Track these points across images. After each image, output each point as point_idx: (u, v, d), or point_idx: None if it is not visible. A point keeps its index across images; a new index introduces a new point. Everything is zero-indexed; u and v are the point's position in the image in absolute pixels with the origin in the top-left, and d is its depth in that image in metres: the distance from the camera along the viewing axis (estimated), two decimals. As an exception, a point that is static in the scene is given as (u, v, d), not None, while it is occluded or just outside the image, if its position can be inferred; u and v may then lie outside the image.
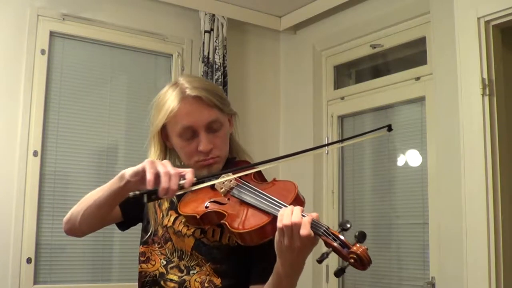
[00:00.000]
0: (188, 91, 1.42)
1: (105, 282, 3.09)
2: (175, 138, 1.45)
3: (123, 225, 1.57)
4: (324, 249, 1.14)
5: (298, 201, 1.26)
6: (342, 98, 3.52)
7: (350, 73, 3.68)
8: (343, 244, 1.11)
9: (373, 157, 3.35)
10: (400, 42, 3.18)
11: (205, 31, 3.37)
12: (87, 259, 3.06)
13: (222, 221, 1.29)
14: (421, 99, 3.00)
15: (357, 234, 1.12)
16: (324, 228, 1.14)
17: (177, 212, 1.44)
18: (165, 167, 1.24)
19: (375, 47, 3.29)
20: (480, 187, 2.36)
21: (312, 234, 1.14)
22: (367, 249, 1.10)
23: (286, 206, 1.20)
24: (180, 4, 3.38)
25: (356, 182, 3.41)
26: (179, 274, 1.40)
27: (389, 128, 1.38)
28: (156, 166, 1.24)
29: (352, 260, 1.09)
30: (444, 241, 2.62)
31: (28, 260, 2.83)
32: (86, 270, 3.05)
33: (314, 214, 1.17)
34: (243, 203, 1.31)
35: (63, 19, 3.07)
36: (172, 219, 1.46)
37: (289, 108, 3.79)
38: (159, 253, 1.45)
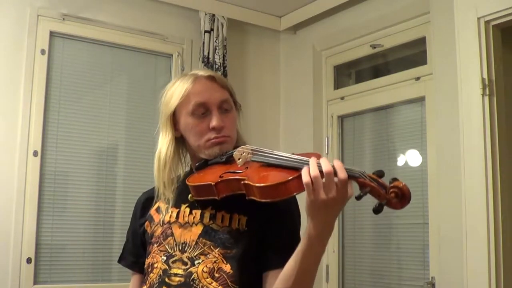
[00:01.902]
0: (200, 73, 1.48)
1: (105, 282, 3.08)
2: (187, 118, 1.45)
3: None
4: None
5: None
6: (342, 98, 3.52)
7: (350, 73, 3.68)
8: (381, 184, 1.10)
9: (373, 157, 3.35)
10: (400, 42, 3.18)
11: (205, 31, 3.37)
12: (87, 259, 3.06)
13: (243, 182, 1.26)
14: (421, 99, 3.00)
15: (391, 180, 1.11)
16: (360, 171, 1.13)
17: (177, 206, 1.45)
18: None
19: (375, 47, 3.29)
20: (480, 187, 2.36)
21: (347, 176, 1.12)
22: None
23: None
24: (180, 4, 3.38)
25: (356, 182, 3.40)
26: (184, 267, 1.37)
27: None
28: None
29: (393, 194, 1.07)
30: (444, 241, 2.62)
31: (28, 260, 2.83)
32: (86, 270, 3.05)
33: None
34: (265, 165, 1.29)
35: (63, 19, 3.07)
36: (174, 214, 1.45)
37: (289, 108, 3.79)
38: (158, 251, 1.43)
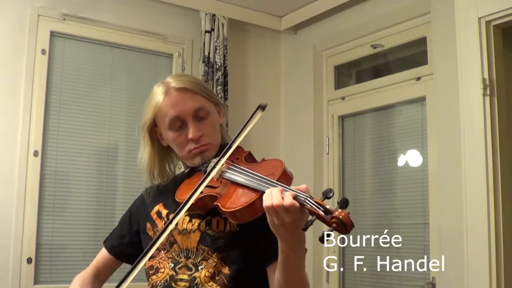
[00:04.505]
0: (172, 84, 1.48)
1: (105, 282, 3.08)
2: (167, 132, 1.49)
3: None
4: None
5: (285, 176, 1.29)
6: (343, 98, 3.52)
7: (350, 73, 3.68)
8: (326, 210, 1.13)
9: (374, 157, 3.34)
10: (400, 42, 3.18)
11: (206, 31, 3.37)
12: (87, 259, 3.03)
13: (215, 203, 1.33)
14: (422, 99, 3.00)
15: (339, 201, 1.14)
16: (306, 197, 1.16)
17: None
18: None
19: (375, 47, 3.29)
20: (481, 187, 2.36)
21: (296, 204, 1.15)
22: (348, 213, 1.11)
23: (273, 182, 1.23)
24: (180, 4, 3.38)
25: (357, 182, 3.40)
26: (189, 273, 1.41)
27: (262, 108, 1.42)
28: None
29: (335, 225, 1.11)
30: (445, 242, 2.61)
31: (29, 260, 2.83)
32: (87, 270, 3.05)
33: (302, 187, 1.19)
34: (234, 183, 1.34)
35: (64, 19, 3.07)
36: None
37: (290, 108, 3.78)
38: (166, 258, 1.46)
